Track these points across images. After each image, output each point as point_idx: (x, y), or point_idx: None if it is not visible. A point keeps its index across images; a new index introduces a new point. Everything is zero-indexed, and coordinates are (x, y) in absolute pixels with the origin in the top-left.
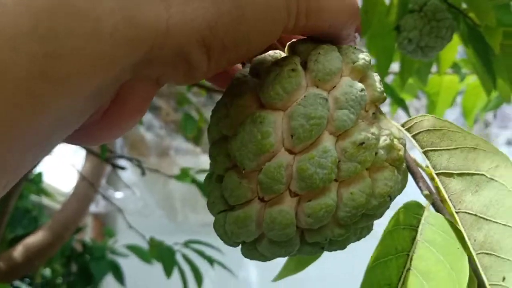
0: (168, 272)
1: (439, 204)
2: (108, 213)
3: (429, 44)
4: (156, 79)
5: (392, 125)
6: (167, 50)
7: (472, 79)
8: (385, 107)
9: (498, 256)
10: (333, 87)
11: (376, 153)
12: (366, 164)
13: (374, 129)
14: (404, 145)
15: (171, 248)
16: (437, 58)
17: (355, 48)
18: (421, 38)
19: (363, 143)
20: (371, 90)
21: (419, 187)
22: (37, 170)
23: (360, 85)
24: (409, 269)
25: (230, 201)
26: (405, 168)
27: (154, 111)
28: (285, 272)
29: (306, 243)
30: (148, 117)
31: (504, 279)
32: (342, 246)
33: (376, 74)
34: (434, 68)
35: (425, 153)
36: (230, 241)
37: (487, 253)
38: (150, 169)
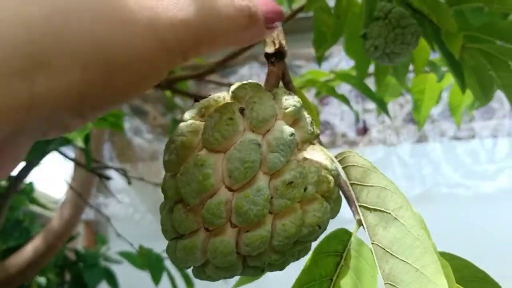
0: (156, 280)
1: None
2: (99, 220)
3: (394, 50)
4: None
5: (327, 157)
6: (37, 122)
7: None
8: (369, 104)
9: None
10: (268, 131)
11: (305, 189)
12: (295, 200)
13: (303, 169)
14: (336, 176)
15: (159, 256)
16: (412, 59)
17: (288, 93)
18: (386, 45)
19: (292, 182)
20: (303, 131)
21: (352, 211)
22: (28, 180)
23: (290, 130)
24: None
25: (179, 230)
26: (338, 195)
27: (141, 115)
28: (244, 280)
29: (248, 266)
30: (135, 122)
31: None
32: (281, 268)
33: (308, 116)
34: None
35: (351, 185)
36: (181, 265)
37: (391, 284)
38: (136, 178)
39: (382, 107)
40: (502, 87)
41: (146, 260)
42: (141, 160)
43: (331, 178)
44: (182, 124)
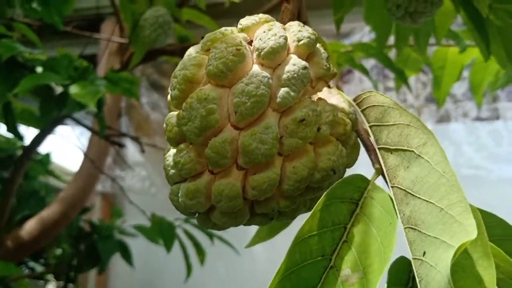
0: (168, 247)
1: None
2: (116, 193)
3: (418, 9)
4: None
5: (344, 100)
6: None
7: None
8: (390, 82)
9: (421, 231)
10: (278, 65)
11: (319, 129)
12: (307, 140)
13: (317, 106)
14: (354, 120)
15: (172, 223)
16: (434, 27)
17: (302, 26)
18: (409, 4)
19: (303, 119)
20: (317, 67)
21: (371, 160)
22: (45, 150)
23: (303, 63)
24: (345, 241)
25: (182, 173)
26: (355, 141)
27: (159, 90)
28: (257, 239)
29: (256, 214)
30: (153, 97)
31: (424, 254)
32: (291, 217)
33: (324, 51)
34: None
35: (370, 127)
36: (185, 212)
37: (412, 228)
38: (149, 145)
39: (402, 78)
40: None
41: (158, 228)
42: (158, 134)
43: (348, 121)
44: (185, 58)
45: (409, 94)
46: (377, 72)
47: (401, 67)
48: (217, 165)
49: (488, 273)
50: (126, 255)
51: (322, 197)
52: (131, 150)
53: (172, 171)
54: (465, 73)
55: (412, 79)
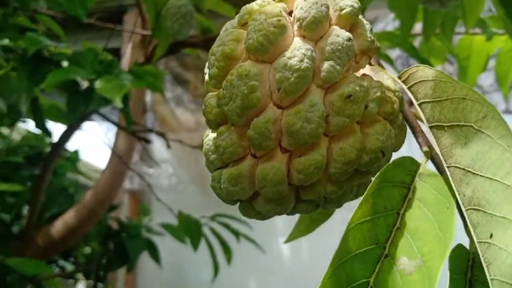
0: (194, 245)
1: (438, 159)
2: (143, 190)
3: None
4: None
5: (389, 77)
6: None
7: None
8: None
9: (486, 212)
10: (320, 37)
11: (366, 107)
12: (355, 118)
13: (363, 82)
14: (401, 98)
15: (198, 221)
16: (462, 13)
17: None
18: None
19: (350, 95)
20: (361, 39)
21: (419, 143)
22: (74, 147)
23: (347, 35)
24: (398, 228)
25: (223, 158)
26: (402, 122)
27: (182, 85)
28: (297, 233)
29: (301, 200)
30: (177, 91)
31: (491, 236)
32: (338, 204)
33: (368, 22)
34: (461, 29)
35: (420, 105)
36: (227, 200)
37: (475, 209)
38: (175, 140)
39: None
40: None
41: (185, 227)
42: (183, 129)
43: (395, 99)
44: (222, 33)
45: None
46: (402, 63)
47: (426, 57)
48: (260, 147)
49: None
50: (154, 253)
51: (373, 180)
52: (158, 146)
53: (213, 156)
54: (492, 63)
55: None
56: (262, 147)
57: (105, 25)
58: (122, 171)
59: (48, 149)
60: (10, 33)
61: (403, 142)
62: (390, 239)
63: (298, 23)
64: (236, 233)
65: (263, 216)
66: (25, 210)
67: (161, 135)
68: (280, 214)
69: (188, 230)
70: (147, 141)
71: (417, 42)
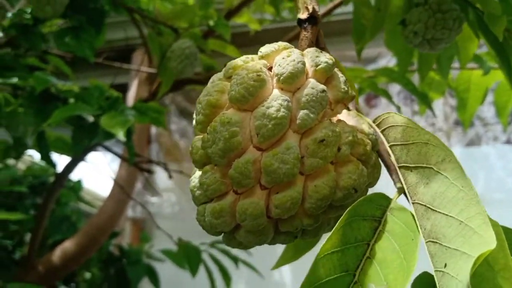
0: (193, 271)
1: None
2: (146, 218)
3: (435, 36)
4: None
5: (364, 121)
6: None
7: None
8: (417, 106)
9: (441, 244)
10: (298, 89)
11: (339, 149)
12: (328, 159)
13: (336, 127)
14: (375, 140)
15: (197, 248)
16: (457, 51)
17: (320, 51)
18: (426, 30)
19: (323, 140)
20: (335, 90)
21: (393, 179)
22: (76, 177)
23: (321, 87)
24: (368, 257)
25: (207, 194)
26: (376, 161)
27: (187, 117)
28: (283, 261)
29: (280, 232)
30: (182, 124)
31: (445, 265)
32: (314, 235)
33: (342, 75)
34: (457, 64)
35: (391, 147)
36: (211, 231)
37: (433, 241)
38: (177, 171)
39: (425, 102)
40: None
41: (184, 253)
42: (187, 160)
43: (367, 141)
44: (209, 85)
45: (439, 118)
46: (404, 96)
47: (425, 90)
48: (240, 185)
49: (508, 283)
50: (154, 279)
51: (344, 214)
52: (161, 176)
53: (198, 192)
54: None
55: (440, 102)
56: (242, 185)
57: (112, 64)
58: (124, 200)
59: (51, 179)
60: (20, 73)
61: (377, 179)
62: (360, 267)
63: (276, 77)
64: (235, 259)
65: (245, 246)
66: (28, 237)
67: (163, 166)
68: (260, 244)
69: (188, 256)
70: (150, 172)
71: (416, 77)
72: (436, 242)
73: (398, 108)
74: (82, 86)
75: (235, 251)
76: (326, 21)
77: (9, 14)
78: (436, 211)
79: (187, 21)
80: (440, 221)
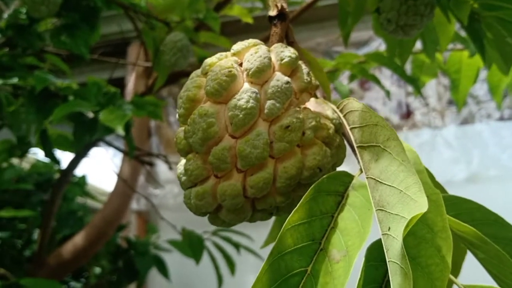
0: (197, 259)
1: None
2: (150, 210)
3: (408, 22)
4: None
5: (329, 108)
6: None
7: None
8: (408, 88)
9: (386, 211)
10: (265, 82)
11: (303, 133)
12: (294, 143)
13: (300, 114)
14: (338, 124)
15: (200, 236)
16: (437, 35)
17: (285, 47)
18: (399, 17)
19: (288, 126)
20: (299, 81)
21: (357, 159)
22: (81, 172)
23: (286, 79)
24: (332, 227)
25: (191, 179)
26: (340, 143)
27: None
28: (271, 239)
29: (257, 210)
30: None
31: (389, 229)
32: (288, 211)
33: (305, 67)
34: (450, 45)
35: (350, 130)
36: (197, 212)
37: (380, 209)
38: (176, 163)
39: (415, 85)
40: None
41: (188, 241)
42: None
43: (331, 125)
44: (188, 81)
45: (432, 97)
46: (398, 78)
47: (417, 73)
48: (219, 169)
49: (446, 243)
50: (162, 269)
51: (308, 190)
52: (162, 168)
53: (184, 177)
54: (486, 73)
55: (433, 83)
56: (221, 169)
57: (108, 59)
58: (129, 193)
59: (56, 175)
60: (19, 72)
61: (343, 159)
62: (325, 236)
63: (246, 72)
64: (237, 246)
65: (228, 224)
66: (36, 235)
67: (163, 158)
68: (241, 222)
69: (191, 245)
70: (151, 164)
71: (410, 61)
72: (383, 210)
73: (388, 93)
74: (80, 82)
75: (236, 238)
76: (320, 6)
77: (5, 15)
78: (382, 183)
79: (179, 14)
80: (385, 191)
